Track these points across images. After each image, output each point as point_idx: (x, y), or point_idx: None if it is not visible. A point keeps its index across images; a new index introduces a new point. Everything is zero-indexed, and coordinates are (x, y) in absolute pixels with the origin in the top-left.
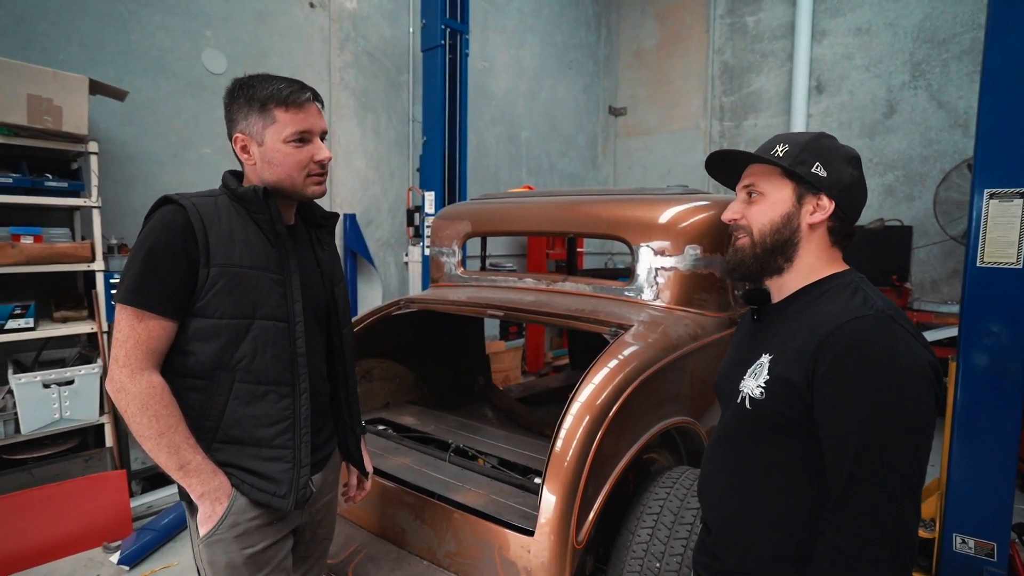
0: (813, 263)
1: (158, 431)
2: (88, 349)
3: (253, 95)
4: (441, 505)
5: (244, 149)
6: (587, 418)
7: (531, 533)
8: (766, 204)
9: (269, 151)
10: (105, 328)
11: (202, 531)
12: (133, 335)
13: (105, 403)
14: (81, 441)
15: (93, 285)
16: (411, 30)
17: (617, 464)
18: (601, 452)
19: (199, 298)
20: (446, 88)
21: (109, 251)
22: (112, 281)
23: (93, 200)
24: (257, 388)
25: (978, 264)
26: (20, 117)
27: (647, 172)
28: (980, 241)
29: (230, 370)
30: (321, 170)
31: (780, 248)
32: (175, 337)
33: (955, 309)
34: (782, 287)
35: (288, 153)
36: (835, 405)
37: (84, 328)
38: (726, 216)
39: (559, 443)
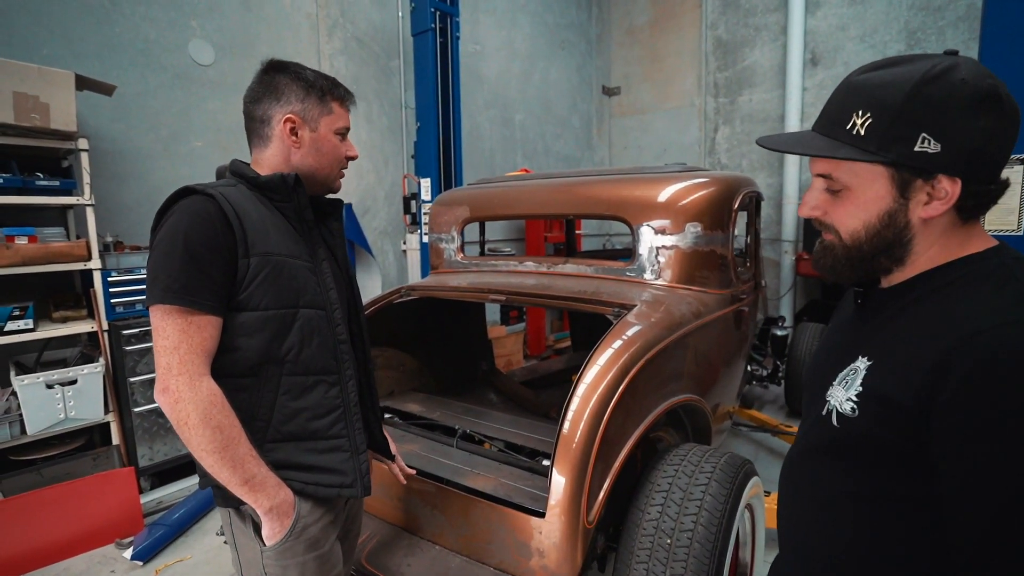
0: (937, 252)
1: (222, 444)
2: (89, 348)
3: (312, 83)
4: (451, 490)
5: (293, 131)
6: (593, 399)
7: (542, 515)
8: (853, 204)
9: (321, 139)
10: (105, 327)
11: (269, 543)
12: (186, 338)
13: (110, 401)
14: (88, 440)
15: (91, 284)
16: (400, 14)
17: (625, 443)
18: (608, 432)
19: (239, 291)
20: (438, 73)
21: (105, 249)
22: (111, 279)
23: (86, 198)
24: (306, 379)
25: None
26: (7, 116)
27: (642, 152)
28: None
29: (278, 363)
30: (347, 165)
31: (883, 251)
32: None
33: None
34: (894, 273)
35: (336, 145)
36: (968, 444)
37: (84, 327)
38: (803, 212)
39: (567, 425)
